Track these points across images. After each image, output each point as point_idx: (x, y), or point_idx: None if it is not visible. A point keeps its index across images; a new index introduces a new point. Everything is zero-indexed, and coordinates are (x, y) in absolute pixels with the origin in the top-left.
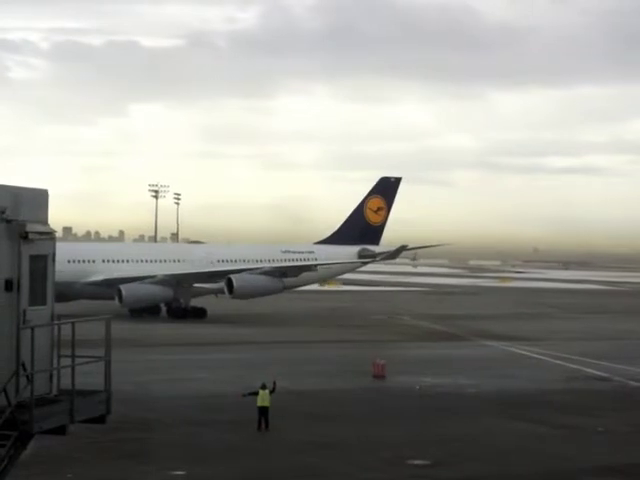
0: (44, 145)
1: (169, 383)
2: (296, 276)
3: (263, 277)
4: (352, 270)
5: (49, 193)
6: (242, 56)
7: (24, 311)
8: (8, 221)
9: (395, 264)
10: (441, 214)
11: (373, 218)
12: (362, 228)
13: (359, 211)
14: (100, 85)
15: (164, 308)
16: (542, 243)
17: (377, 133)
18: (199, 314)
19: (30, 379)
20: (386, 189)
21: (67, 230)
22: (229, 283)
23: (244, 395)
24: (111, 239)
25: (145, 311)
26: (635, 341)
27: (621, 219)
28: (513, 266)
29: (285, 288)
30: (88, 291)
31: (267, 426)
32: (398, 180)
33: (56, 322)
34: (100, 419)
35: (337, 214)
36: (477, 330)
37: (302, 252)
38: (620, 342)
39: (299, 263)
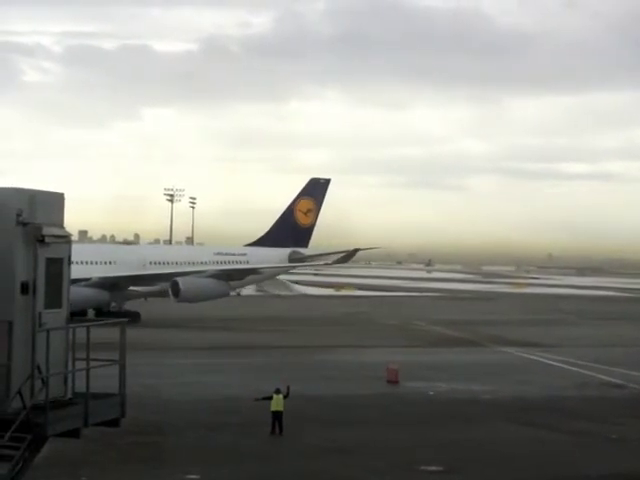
0: (60, 149)
1: (181, 387)
2: (241, 279)
3: (210, 280)
4: (284, 272)
5: (65, 196)
6: (255, 60)
7: (40, 314)
8: (24, 224)
9: (409, 269)
10: (455, 219)
11: (303, 220)
12: (292, 230)
13: (289, 213)
14: (114, 89)
15: (91, 311)
16: (556, 249)
17: (390, 138)
18: (132, 318)
19: (45, 382)
20: (316, 190)
21: (83, 233)
22: (175, 286)
23: (258, 399)
24: (126, 243)
25: (72, 314)
26: None
27: (636, 225)
28: (527, 272)
29: None
30: None
31: (281, 431)
32: (327, 181)
33: (71, 325)
34: (114, 422)
35: (346, 217)
36: (491, 336)
37: (234, 254)
38: (635, 349)
39: (239, 266)
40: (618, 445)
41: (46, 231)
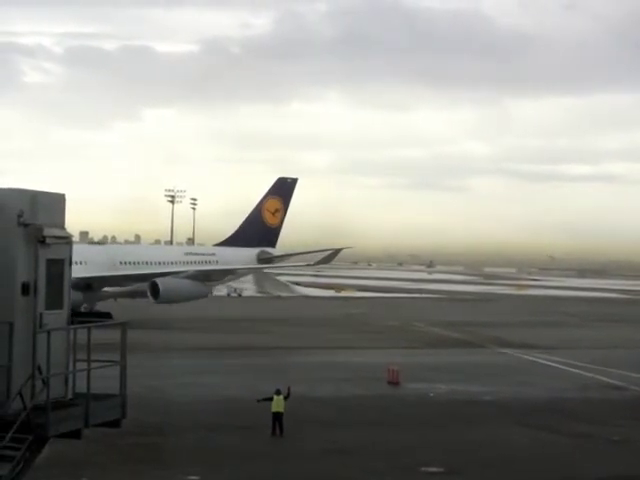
0: (61, 149)
1: (181, 388)
2: (220, 280)
3: (188, 281)
4: (255, 271)
5: (66, 197)
6: (256, 62)
7: (40, 315)
8: (25, 225)
9: (410, 271)
10: (456, 221)
11: (270, 220)
12: (260, 230)
13: (257, 212)
14: (114, 90)
15: None
16: (558, 251)
17: (392, 139)
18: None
19: (46, 382)
20: (283, 190)
21: (84, 234)
22: (154, 287)
23: (259, 400)
24: (127, 243)
25: None
26: None
27: (638, 227)
28: (529, 274)
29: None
30: None
31: (282, 432)
32: (294, 181)
33: (72, 326)
34: (115, 423)
35: (351, 219)
36: (492, 337)
37: (204, 254)
38: (637, 351)
39: (218, 267)
40: (620, 447)
41: (47, 232)
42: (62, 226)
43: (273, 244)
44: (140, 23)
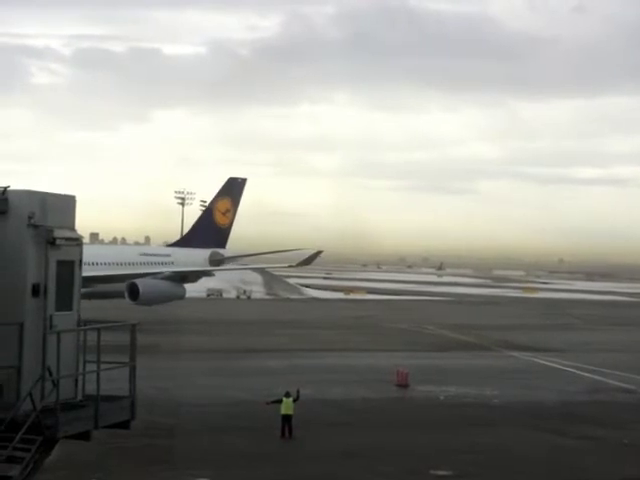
0: (71, 151)
1: (191, 389)
2: (195, 281)
3: (166, 282)
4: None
5: (77, 199)
6: (263, 64)
7: (50, 316)
8: (36, 226)
9: (420, 273)
10: (466, 224)
11: (221, 220)
12: (212, 230)
13: (209, 213)
14: (123, 91)
15: None
16: (567, 254)
17: (399, 141)
18: None
19: (56, 384)
20: (233, 190)
21: (94, 236)
22: (133, 288)
23: (268, 403)
24: (137, 245)
25: None
26: None
27: None
28: (538, 277)
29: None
30: None
31: (291, 434)
32: (244, 181)
33: (82, 327)
34: (125, 424)
35: (361, 221)
36: (501, 340)
37: (159, 255)
38: None
39: (193, 268)
40: (630, 450)
41: (57, 233)
42: (72, 227)
43: (223, 245)
44: (148, 25)
